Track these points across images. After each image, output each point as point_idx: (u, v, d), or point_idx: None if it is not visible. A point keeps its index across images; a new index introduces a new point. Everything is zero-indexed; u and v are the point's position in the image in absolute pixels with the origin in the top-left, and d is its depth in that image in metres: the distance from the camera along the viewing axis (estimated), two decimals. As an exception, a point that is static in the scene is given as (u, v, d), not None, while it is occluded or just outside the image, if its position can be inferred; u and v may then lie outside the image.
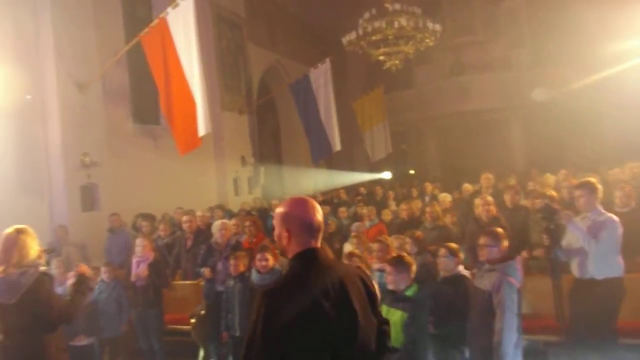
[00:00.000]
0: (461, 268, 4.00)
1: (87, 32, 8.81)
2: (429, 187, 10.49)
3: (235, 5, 13.38)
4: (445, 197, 7.84)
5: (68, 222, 8.10)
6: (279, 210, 2.07)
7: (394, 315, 3.74)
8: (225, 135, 12.37)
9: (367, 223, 7.13)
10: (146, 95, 10.76)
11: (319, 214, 2.04)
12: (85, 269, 3.57)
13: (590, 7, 13.61)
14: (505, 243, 3.60)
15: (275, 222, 2.07)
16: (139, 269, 5.22)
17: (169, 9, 7.59)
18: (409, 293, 3.76)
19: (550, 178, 7.93)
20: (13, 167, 7.71)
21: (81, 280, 3.43)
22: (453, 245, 4.13)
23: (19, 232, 3.20)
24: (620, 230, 4.04)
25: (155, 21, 7.82)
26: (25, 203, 7.72)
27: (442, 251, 4.01)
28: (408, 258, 3.97)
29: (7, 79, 7.57)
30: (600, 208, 4.19)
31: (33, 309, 3.04)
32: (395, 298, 3.80)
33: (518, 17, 17.74)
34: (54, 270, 5.18)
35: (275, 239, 2.10)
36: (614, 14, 11.94)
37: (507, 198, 5.96)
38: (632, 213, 4.80)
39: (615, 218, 4.10)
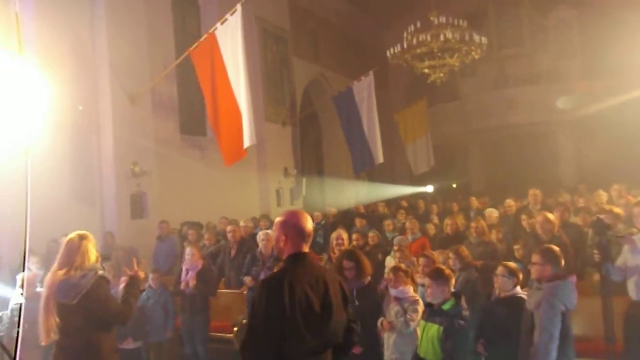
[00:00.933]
0: (518, 289, 3.85)
1: (140, 47, 9.19)
2: (474, 202, 10.28)
3: (281, 20, 13.65)
4: (492, 213, 7.65)
5: (118, 229, 8.42)
6: (279, 219, 2.55)
7: (431, 329, 3.72)
8: (268, 146, 12.55)
9: (409, 237, 7.06)
10: (193, 107, 11.10)
11: (310, 224, 2.53)
12: (139, 271, 3.65)
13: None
14: (560, 262, 3.44)
15: (275, 228, 2.56)
16: (187, 276, 5.36)
17: (218, 25, 7.82)
18: (445, 307, 3.71)
19: (603, 195, 7.60)
20: (68, 175, 8.08)
21: (134, 282, 3.55)
22: (512, 264, 4.00)
23: (81, 237, 3.38)
24: None
25: (205, 36, 8.07)
26: (78, 210, 8.07)
27: (500, 270, 3.88)
28: (447, 271, 3.92)
29: (64, 92, 7.96)
30: None
31: (92, 309, 3.21)
32: (432, 312, 3.77)
33: (568, 27, 17.27)
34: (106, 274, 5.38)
35: (274, 242, 2.61)
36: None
37: (557, 215, 5.76)
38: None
39: None
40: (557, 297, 3.32)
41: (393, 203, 12.59)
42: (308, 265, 2.45)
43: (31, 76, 7.12)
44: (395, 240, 6.61)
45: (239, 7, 7.67)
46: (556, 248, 3.52)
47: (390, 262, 5.85)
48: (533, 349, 3.29)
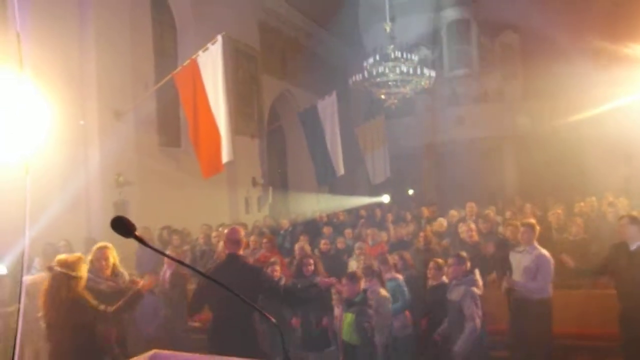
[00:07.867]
0: (444, 279, 5.07)
1: (125, 66, 10.01)
2: (425, 211, 11.51)
3: (252, 40, 14.61)
4: (442, 222, 8.86)
5: (102, 236, 9.13)
6: (225, 231, 4.57)
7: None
8: (238, 157, 13.38)
9: (370, 242, 8.22)
10: (169, 121, 11.93)
11: (242, 235, 4.38)
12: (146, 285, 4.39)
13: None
14: (467, 262, 4.68)
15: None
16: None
17: (200, 52, 8.76)
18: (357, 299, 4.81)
19: (528, 207, 9.00)
20: (59, 185, 8.77)
21: (137, 295, 4.26)
22: (440, 260, 5.27)
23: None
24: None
25: (187, 61, 8.98)
26: (67, 217, 8.76)
27: (432, 264, 5.15)
28: (358, 272, 5.04)
29: (56, 109, 8.65)
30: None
31: None
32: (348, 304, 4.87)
33: (511, 51, 19.00)
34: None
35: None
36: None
37: (484, 226, 7.05)
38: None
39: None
40: (475, 286, 4.55)
41: (353, 212, 13.71)
42: (239, 261, 4.27)
43: (31, 95, 7.85)
44: (356, 246, 7.77)
45: (219, 37, 8.65)
46: (464, 253, 4.75)
47: (353, 265, 6.95)
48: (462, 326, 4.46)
